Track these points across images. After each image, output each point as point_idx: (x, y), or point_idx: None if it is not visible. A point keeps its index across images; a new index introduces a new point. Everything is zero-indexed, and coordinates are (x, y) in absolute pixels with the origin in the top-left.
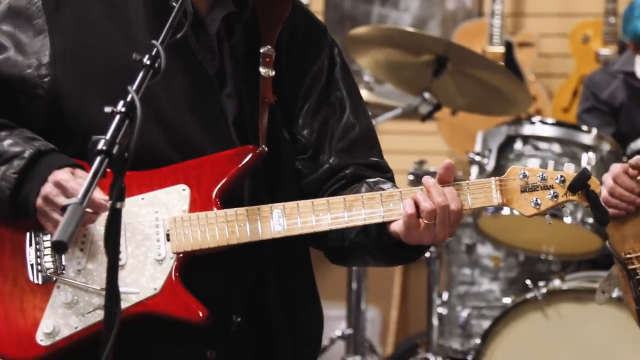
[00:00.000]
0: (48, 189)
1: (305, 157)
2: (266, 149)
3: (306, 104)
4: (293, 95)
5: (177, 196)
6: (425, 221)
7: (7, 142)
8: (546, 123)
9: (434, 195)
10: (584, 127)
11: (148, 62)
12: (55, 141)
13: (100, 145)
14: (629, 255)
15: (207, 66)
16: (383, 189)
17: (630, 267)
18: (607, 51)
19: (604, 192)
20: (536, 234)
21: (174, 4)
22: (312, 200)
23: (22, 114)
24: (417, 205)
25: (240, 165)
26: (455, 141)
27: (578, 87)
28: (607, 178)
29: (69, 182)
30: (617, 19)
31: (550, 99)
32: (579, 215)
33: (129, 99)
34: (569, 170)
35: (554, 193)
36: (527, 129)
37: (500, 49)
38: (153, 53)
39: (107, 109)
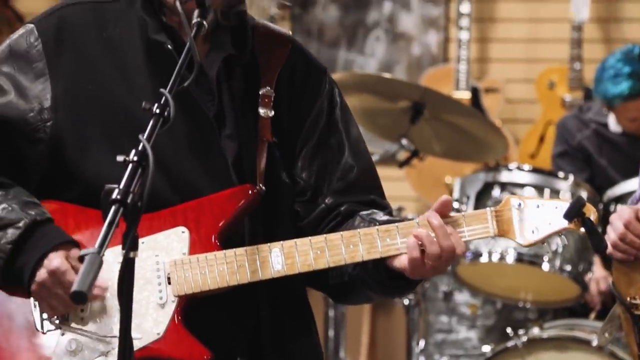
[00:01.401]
0: (44, 276)
1: (304, 199)
2: (264, 188)
3: (305, 146)
4: (293, 137)
5: (176, 239)
6: (431, 263)
7: (2, 206)
8: (523, 170)
9: (440, 238)
10: (561, 174)
11: (158, 111)
12: (55, 186)
13: (115, 195)
14: (634, 301)
15: (206, 108)
16: (377, 220)
17: (636, 312)
18: (572, 97)
19: (612, 236)
20: (514, 281)
21: (168, 46)
22: (309, 237)
23: (22, 158)
24: (421, 244)
25: (238, 205)
26: (423, 187)
27: (544, 132)
28: (617, 222)
29: (65, 274)
30: (582, 64)
31: (516, 144)
32: (557, 263)
33: (140, 147)
34: (565, 198)
35: (550, 222)
36: (504, 176)
37: (467, 95)
38: (162, 102)
39: (119, 158)
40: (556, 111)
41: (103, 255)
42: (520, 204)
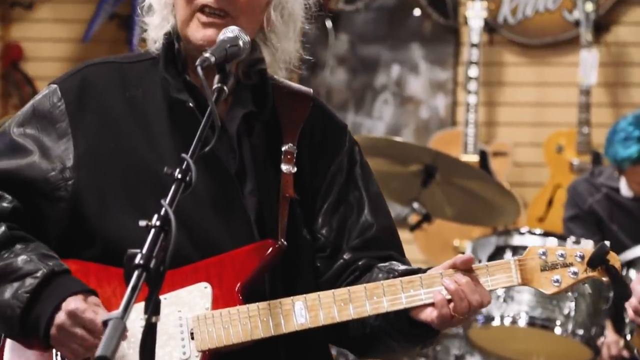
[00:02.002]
0: (62, 318)
1: (324, 255)
2: (285, 243)
3: (325, 202)
4: (313, 193)
5: (199, 294)
6: (459, 316)
7: (21, 258)
8: (535, 233)
9: (468, 294)
10: (572, 238)
11: (179, 176)
12: (76, 245)
13: (138, 260)
14: None
15: (228, 165)
16: (396, 270)
17: None
18: (580, 161)
19: (634, 302)
20: (526, 345)
21: (190, 104)
22: (333, 290)
23: (43, 217)
24: (450, 300)
25: (260, 261)
26: (431, 251)
27: (553, 196)
28: (638, 287)
29: (85, 312)
30: (590, 129)
31: (524, 208)
32: (570, 327)
33: (162, 212)
34: (587, 246)
35: (574, 270)
36: (516, 240)
37: (475, 158)
38: (184, 167)
39: (142, 223)
40: (564, 175)
41: (126, 320)
42: (543, 253)
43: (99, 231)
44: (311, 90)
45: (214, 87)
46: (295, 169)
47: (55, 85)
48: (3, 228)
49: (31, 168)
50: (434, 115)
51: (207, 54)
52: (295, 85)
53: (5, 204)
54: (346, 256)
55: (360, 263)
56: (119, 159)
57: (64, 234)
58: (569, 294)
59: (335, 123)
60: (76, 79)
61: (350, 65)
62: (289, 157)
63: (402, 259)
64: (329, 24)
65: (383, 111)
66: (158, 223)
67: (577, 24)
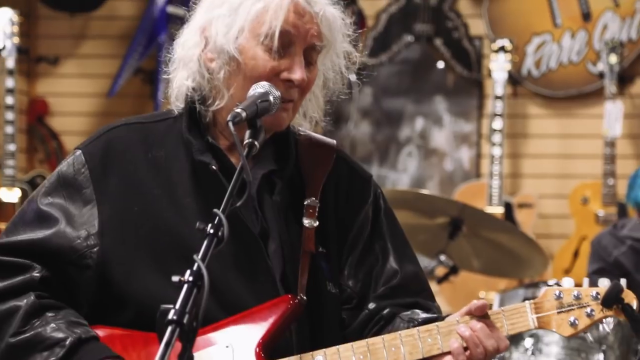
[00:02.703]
0: None
1: (350, 306)
2: (305, 298)
3: (351, 255)
4: (339, 246)
5: (220, 355)
6: None
7: (50, 326)
8: (562, 286)
9: (483, 340)
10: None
11: (212, 231)
12: (107, 310)
13: (171, 315)
14: None
15: (251, 225)
16: (416, 320)
17: None
18: (606, 213)
19: None
20: None
21: (213, 167)
22: (352, 343)
23: (73, 285)
24: (466, 347)
25: (278, 317)
26: (456, 302)
27: (579, 247)
28: None
29: None
30: (615, 180)
31: (550, 259)
32: None
33: (195, 268)
34: (603, 285)
35: (590, 310)
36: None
37: (500, 210)
38: (216, 222)
39: (175, 279)
40: (590, 227)
41: None
42: (559, 294)
43: (127, 296)
44: (334, 142)
45: (244, 142)
46: (317, 223)
47: (79, 151)
48: (32, 298)
49: (57, 237)
50: (458, 167)
51: (238, 110)
52: (319, 136)
53: (34, 274)
54: (371, 306)
55: (384, 312)
56: (143, 222)
57: (95, 299)
58: (598, 345)
59: (360, 174)
60: (99, 143)
61: (375, 118)
62: (310, 211)
63: (429, 304)
64: (352, 77)
65: (407, 164)
66: (191, 278)
67: (601, 76)
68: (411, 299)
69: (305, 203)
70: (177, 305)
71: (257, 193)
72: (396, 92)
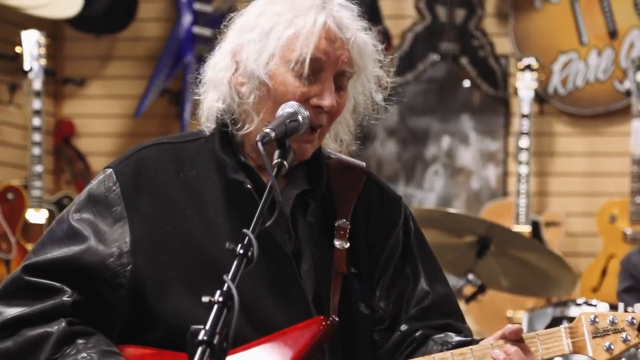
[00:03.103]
0: None
1: (382, 327)
2: (337, 319)
3: (383, 276)
4: (370, 268)
5: None
6: None
7: (82, 355)
8: (591, 304)
9: None
10: (629, 309)
11: (242, 251)
12: (138, 329)
13: (201, 336)
14: None
15: (284, 245)
16: (449, 342)
17: None
18: (634, 231)
19: None
20: None
21: (248, 186)
22: None
23: (105, 303)
24: None
25: (310, 337)
26: (484, 321)
27: (606, 266)
28: None
29: None
30: None
31: (578, 278)
32: None
33: (225, 288)
34: (639, 310)
35: (625, 336)
36: (572, 311)
37: (527, 229)
38: (246, 242)
39: (205, 299)
40: (617, 245)
41: None
42: (594, 319)
43: (159, 315)
44: (364, 164)
45: (274, 162)
46: (348, 244)
47: (110, 170)
48: (63, 324)
49: (88, 254)
50: (484, 186)
51: (267, 130)
52: (348, 158)
53: (65, 298)
54: (403, 328)
55: (417, 335)
56: (175, 241)
57: (127, 318)
58: None
59: (390, 196)
60: (130, 162)
61: (401, 137)
62: (341, 232)
63: (461, 326)
64: (378, 96)
65: (434, 182)
66: (221, 299)
67: (628, 93)
68: (443, 320)
69: (337, 224)
70: (207, 326)
71: (291, 213)
72: (422, 111)
